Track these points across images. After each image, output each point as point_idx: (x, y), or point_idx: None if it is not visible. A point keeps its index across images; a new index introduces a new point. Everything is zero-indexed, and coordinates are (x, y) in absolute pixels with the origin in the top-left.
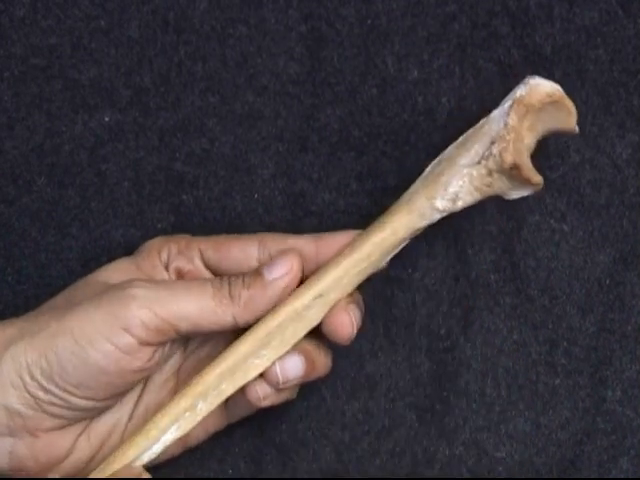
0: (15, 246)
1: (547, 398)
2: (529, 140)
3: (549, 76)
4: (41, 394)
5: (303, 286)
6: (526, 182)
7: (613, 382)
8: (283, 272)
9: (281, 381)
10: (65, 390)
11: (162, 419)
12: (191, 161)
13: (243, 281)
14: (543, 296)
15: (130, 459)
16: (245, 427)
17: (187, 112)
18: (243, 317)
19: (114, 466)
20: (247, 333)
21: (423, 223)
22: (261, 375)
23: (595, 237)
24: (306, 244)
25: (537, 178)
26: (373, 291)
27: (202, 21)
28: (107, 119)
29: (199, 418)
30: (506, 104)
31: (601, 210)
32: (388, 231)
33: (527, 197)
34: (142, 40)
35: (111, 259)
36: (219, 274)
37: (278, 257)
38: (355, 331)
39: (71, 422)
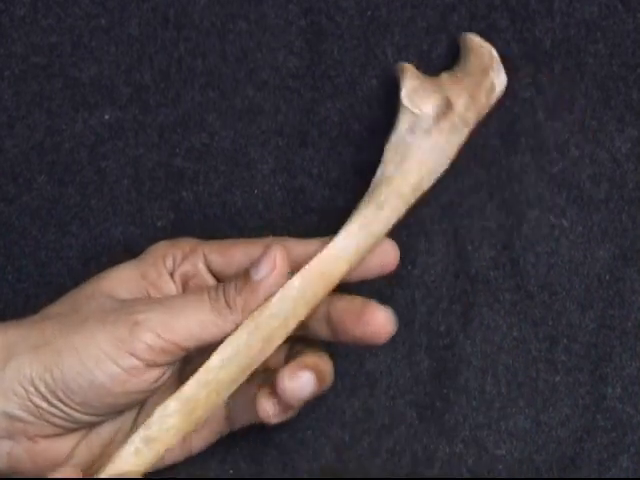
0: (15, 244)
1: (547, 395)
2: None
3: (548, 70)
4: (44, 405)
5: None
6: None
7: (613, 379)
8: (268, 271)
9: (296, 402)
10: (68, 406)
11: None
12: (191, 157)
13: (235, 287)
14: (543, 292)
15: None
16: (245, 427)
17: (187, 108)
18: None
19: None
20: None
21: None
22: (274, 394)
23: (595, 232)
24: (313, 249)
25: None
26: (372, 289)
27: (202, 17)
28: (107, 117)
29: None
30: None
31: (600, 205)
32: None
33: (527, 192)
34: (142, 37)
35: (111, 257)
36: (223, 279)
37: (261, 255)
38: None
39: (71, 430)
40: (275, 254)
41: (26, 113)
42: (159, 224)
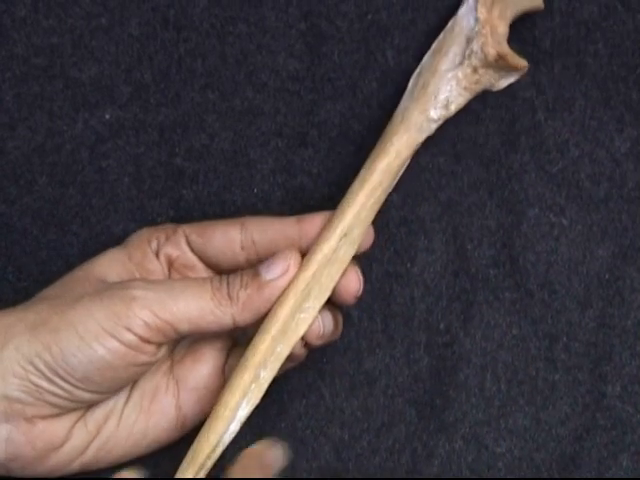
0: (16, 244)
1: (547, 393)
2: (502, 28)
3: (548, 70)
4: (45, 384)
5: (326, 230)
6: (512, 69)
7: (613, 378)
8: (280, 272)
9: (324, 332)
10: (69, 383)
11: (231, 398)
12: (191, 156)
13: (241, 281)
14: (542, 291)
15: (213, 444)
16: (245, 426)
17: (187, 108)
18: (242, 317)
19: (201, 456)
20: (285, 292)
21: (423, 137)
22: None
23: (594, 231)
24: (289, 226)
25: (522, 63)
26: (371, 287)
27: (202, 18)
28: (108, 116)
29: (265, 387)
30: (470, 0)
31: (600, 204)
32: (392, 154)
33: (526, 191)
34: (142, 37)
35: None
36: (205, 258)
37: (276, 256)
38: (362, 287)
39: (69, 410)
40: (291, 259)
41: (27, 114)
42: (159, 222)
